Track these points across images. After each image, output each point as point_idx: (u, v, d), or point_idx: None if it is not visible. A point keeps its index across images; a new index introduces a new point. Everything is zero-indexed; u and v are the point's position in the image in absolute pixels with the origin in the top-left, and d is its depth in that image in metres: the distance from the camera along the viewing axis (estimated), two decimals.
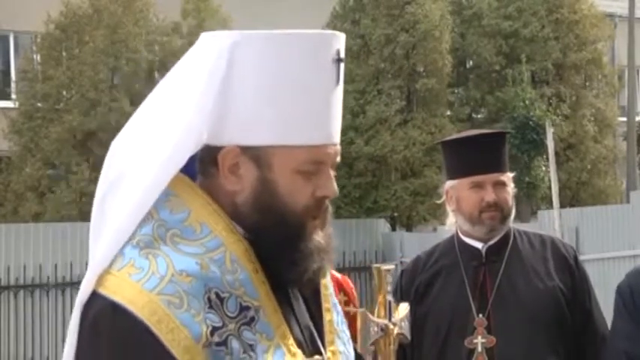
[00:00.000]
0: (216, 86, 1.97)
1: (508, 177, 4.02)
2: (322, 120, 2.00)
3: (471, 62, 25.03)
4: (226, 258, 1.95)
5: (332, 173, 2.03)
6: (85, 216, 19.42)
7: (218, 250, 1.95)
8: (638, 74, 29.22)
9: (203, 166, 2.02)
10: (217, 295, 1.91)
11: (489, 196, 3.94)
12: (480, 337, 3.89)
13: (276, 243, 1.98)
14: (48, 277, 15.52)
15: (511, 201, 4.01)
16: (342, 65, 2.02)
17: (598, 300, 4.11)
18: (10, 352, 15.21)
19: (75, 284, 15.67)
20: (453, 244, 4.10)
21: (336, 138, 2.04)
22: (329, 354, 2.08)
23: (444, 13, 22.50)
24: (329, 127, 2.02)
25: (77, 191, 20.04)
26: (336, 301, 2.19)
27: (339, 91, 2.03)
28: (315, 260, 1.99)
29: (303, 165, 1.98)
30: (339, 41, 2.03)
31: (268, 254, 1.99)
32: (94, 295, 1.93)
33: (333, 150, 2.03)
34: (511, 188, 4.02)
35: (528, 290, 3.94)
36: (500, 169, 4.00)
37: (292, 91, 1.96)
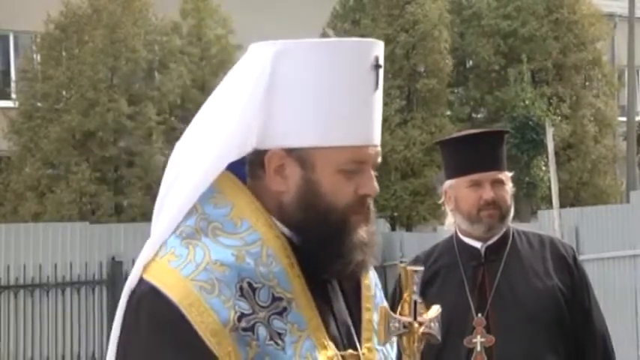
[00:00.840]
0: (261, 94, 2.09)
1: (506, 176, 4.02)
2: (363, 122, 2.11)
3: (470, 62, 25.05)
4: (263, 252, 2.06)
5: (373, 173, 2.13)
6: (84, 216, 19.45)
7: (256, 243, 2.07)
8: (637, 74, 29.21)
9: (252, 169, 2.14)
10: (250, 284, 2.03)
11: (487, 194, 3.93)
12: (479, 337, 3.88)
13: (321, 239, 2.08)
14: (48, 277, 15.51)
15: (510, 200, 4.00)
16: (381, 71, 2.13)
17: (598, 300, 4.10)
18: (9, 351, 15.20)
19: (75, 284, 15.68)
20: (452, 244, 4.10)
21: (377, 139, 2.15)
22: (364, 350, 2.15)
23: (443, 13, 22.51)
24: (369, 129, 2.12)
25: (77, 191, 20.05)
26: (381, 303, 2.25)
27: (378, 95, 2.14)
28: (358, 254, 2.10)
29: (345, 165, 2.09)
30: (378, 48, 2.14)
31: (313, 249, 2.09)
32: (140, 281, 2.08)
33: (373, 151, 2.13)
34: (509, 187, 4.02)
35: (527, 290, 3.94)
36: (499, 168, 4.00)
37: (334, 95, 2.08)
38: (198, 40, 21.58)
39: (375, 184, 2.13)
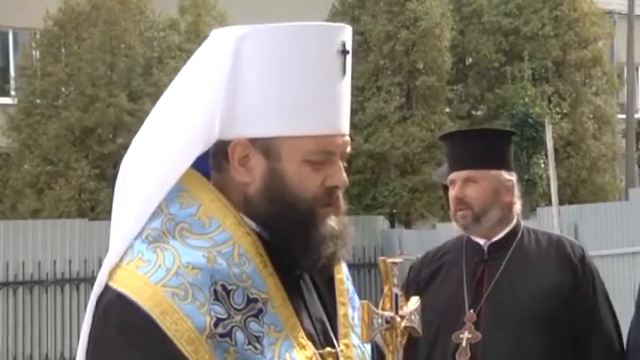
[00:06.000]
0: (224, 81, 2.00)
1: (484, 174, 3.93)
2: (329, 110, 2.02)
3: (470, 59, 25.02)
4: (235, 251, 1.98)
5: (341, 164, 2.05)
6: (83, 212, 19.44)
7: (226, 243, 1.98)
8: (637, 72, 29.20)
9: (216, 161, 2.05)
10: (224, 287, 1.94)
11: (454, 192, 3.93)
12: (466, 333, 3.85)
13: (288, 231, 2.00)
14: (47, 274, 15.51)
15: (485, 198, 3.91)
16: (349, 57, 2.04)
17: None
18: (8, 348, 15.19)
19: (73, 281, 15.68)
20: (462, 240, 4.08)
21: (345, 129, 2.06)
22: (342, 347, 2.08)
23: (444, 11, 22.49)
24: (336, 118, 2.04)
25: (76, 188, 20.04)
26: (355, 298, 2.20)
27: (345, 83, 2.06)
28: (328, 246, 2.01)
29: (311, 155, 2.00)
30: (345, 33, 2.06)
31: (281, 242, 2.01)
32: (106, 288, 1.98)
33: (341, 140, 2.05)
34: (487, 185, 3.92)
35: (525, 289, 3.88)
36: (472, 166, 3.94)
37: (298, 82, 1.99)
38: (196, 36, 21.56)
39: (344, 175, 2.05)
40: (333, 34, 2.03)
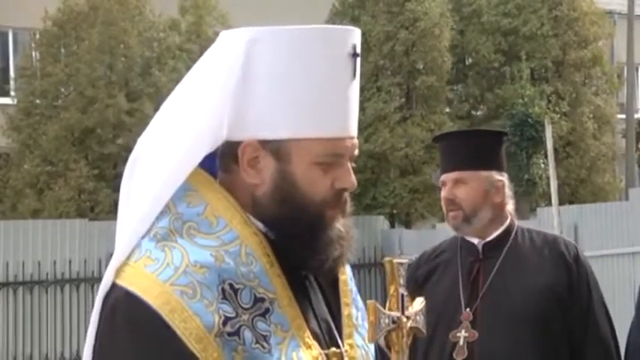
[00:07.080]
0: (234, 82, 2.01)
1: (474, 174, 3.96)
2: (339, 113, 2.04)
3: (470, 59, 25.03)
4: (242, 251, 1.99)
5: (350, 166, 2.07)
6: (83, 213, 19.45)
7: (234, 242, 1.99)
8: (637, 72, 29.20)
9: (224, 162, 2.06)
10: (231, 286, 1.95)
11: (443, 193, 3.98)
12: (463, 331, 3.88)
13: (297, 233, 2.01)
14: (47, 274, 15.51)
15: (475, 199, 3.94)
16: (359, 60, 2.06)
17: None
18: (9, 348, 15.19)
19: (74, 281, 15.68)
20: (457, 240, 4.11)
21: (354, 131, 2.08)
22: (346, 347, 2.10)
23: (443, 11, 22.50)
24: (346, 121, 2.05)
25: (75, 188, 20.04)
26: (358, 298, 2.21)
27: (355, 86, 2.07)
28: (335, 248, 2.03)
29: (321, 157, 2.01)
30: (355, 36, 2.07)
31: (289, 243, 2.02)
32: (113, 286, 1.98)
33: (350, 143, 2.06)
34: (478, 186, 3.95)
35: (519, 288, 3.90)
36: (462, 167, 3.98)
37: (309, 84, 2.01)
38: (197, 37, 21.57)
39: (353, 177, 2.06)
40: (345, 37, 2.05)
